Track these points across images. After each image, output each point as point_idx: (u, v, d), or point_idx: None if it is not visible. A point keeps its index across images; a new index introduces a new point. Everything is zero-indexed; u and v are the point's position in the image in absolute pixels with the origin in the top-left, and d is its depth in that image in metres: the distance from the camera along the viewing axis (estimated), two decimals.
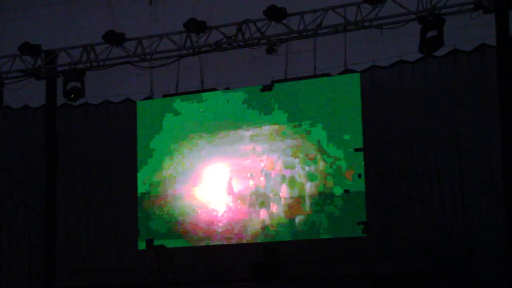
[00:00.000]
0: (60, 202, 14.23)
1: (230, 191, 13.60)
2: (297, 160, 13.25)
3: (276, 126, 13.44)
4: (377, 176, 13.06)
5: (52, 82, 14.15)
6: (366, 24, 12.46)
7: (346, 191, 12.88)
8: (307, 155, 13.18)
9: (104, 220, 14.69)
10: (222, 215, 13.62)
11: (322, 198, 13.03)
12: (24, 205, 14.92)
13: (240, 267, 13.29)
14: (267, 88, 13.56)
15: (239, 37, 13.06)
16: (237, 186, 13.57)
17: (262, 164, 13.43)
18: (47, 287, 13.71)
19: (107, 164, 14.77)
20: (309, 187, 13.11)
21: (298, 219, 13.13)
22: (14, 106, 14.99)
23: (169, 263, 14.10)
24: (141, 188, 14.11)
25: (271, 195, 13.33)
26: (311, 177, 13.12)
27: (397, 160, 13.11)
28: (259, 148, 13.48)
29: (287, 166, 13.29)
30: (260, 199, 13.39)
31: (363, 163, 12.82)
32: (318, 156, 13.09)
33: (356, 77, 13.08)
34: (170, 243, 13.85)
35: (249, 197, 13.45)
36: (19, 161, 15.04)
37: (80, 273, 14.54)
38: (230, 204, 13.57)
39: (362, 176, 12.77)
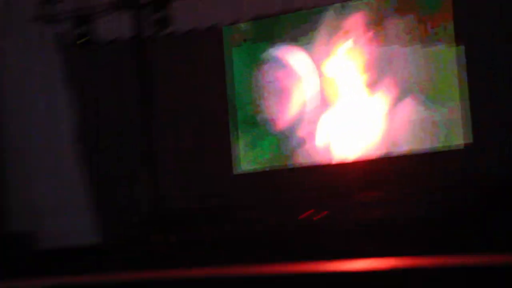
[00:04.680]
0: (155, 132, 14.28)
1: None
2: None
3: None
4: None
5: (140, 13, 14.12)
6: None
7: None
8: None
9: (199, 149, 14.77)
10: None
11: None
12: (119, 135, 15.03)
13: None
14: None
15: None
16: None
17: None
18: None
19: (198, 94, 14.77)
20: None
21: None
22: (104, 39, 15.05)
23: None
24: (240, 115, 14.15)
25: None
26: None
27: None
28: None
29: None
30: None
31: None
32: None
33: None
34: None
35: None
36: (112, 94, 15.14)
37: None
38: None
39: None
